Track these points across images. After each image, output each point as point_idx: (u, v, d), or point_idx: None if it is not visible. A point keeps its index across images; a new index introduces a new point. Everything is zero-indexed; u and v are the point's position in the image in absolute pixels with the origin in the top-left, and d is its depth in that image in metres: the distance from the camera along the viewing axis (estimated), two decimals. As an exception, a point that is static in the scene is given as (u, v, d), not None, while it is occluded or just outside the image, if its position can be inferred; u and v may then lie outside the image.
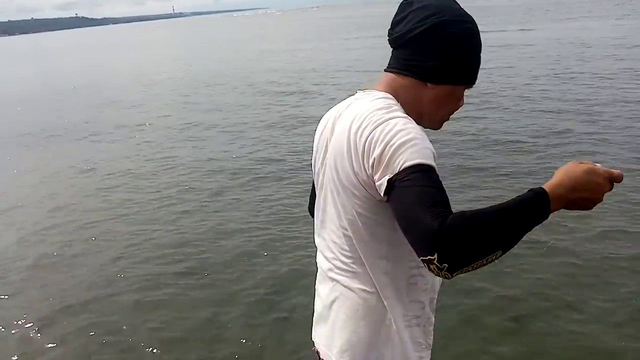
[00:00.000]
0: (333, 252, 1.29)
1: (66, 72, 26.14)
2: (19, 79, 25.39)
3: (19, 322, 3.66)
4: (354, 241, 1.21)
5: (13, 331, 3.57)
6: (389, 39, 1.28)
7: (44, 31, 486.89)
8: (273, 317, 3.44)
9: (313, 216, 1.55)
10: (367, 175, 1.13)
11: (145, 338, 3.34)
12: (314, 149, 1.37)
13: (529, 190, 1.04)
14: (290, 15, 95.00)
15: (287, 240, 4.50)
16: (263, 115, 10.00)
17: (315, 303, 1.42)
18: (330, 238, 1.29)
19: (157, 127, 9.98)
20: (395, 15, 1.26)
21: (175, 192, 6.07)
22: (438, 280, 1.29)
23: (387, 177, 1.06)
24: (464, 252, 0.97)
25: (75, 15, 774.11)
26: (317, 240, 1.40)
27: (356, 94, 1.28)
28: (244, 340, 3.22)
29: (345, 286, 1.26)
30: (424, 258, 0.99)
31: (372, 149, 1.10)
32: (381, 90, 1.24)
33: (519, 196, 1.02)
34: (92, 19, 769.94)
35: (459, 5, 1.24)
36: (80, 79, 21.25)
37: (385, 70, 1.29)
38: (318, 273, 1.41)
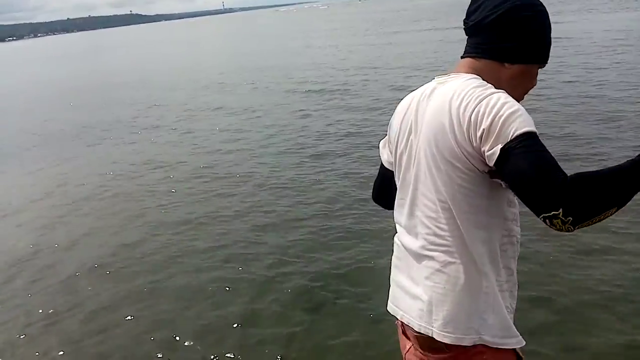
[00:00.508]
0: (429, 227, 1.33)
1: (119, 69, 27.35)
2: (77, 76, 26.73)
3: (61, 310, 3.96)
4: (454, 213, 1.27)
5: (58, 319, 3.86)
6: (464, 28, 1.39)
7: (100, 28, 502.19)
8: (308, 306, 3.60)
9: (380, 203, 1.67)
10: (473, 147, 1.20)
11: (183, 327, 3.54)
12: (394, 132, 1.43)
13: (638, 155, 1.10)
14: (336, 9, 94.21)
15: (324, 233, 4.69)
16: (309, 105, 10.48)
17: (395, 280, 1.49)
18: (424, 214, 1.34)
19: (206, 125, 10.25)
20: (469, 6, 1.38)
21: (219, 185, 6.39)
22: (518, 248, 1.37)
23: (499, 146, 1.13)
24: (587, 206, 1.06)
25: (129, 12, 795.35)
26: (403, 221, 1.44)
27: (436, 79, 1.36)
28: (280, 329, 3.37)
29: (441, 260, 1.31)
30: (546, 214, 1.07)
31: (479, 121, 1.17)
32: (465, 73, 1.32)
33: (633, 158, 1.09)
34: (145, 15, 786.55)
35: None
36: (131, 75, 22.32)
37: (462, 57, 1.38)
38: (400, 253, 1.47)
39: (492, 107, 1.16)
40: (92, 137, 10.31)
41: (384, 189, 1.59)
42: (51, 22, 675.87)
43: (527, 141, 1.12)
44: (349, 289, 3.73)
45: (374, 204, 1.70)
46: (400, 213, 1.45)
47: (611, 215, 1.10)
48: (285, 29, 46.88)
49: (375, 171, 1.65)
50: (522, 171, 1.11)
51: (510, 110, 1.15)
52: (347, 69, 14.76)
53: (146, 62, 29.72)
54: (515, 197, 1.30)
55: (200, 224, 5.27)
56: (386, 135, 1.55)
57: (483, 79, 1.28)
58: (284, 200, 5.62)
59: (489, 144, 1.15)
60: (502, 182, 1.25)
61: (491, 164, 1.17)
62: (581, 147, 5.91)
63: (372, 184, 1.68)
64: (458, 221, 1.27)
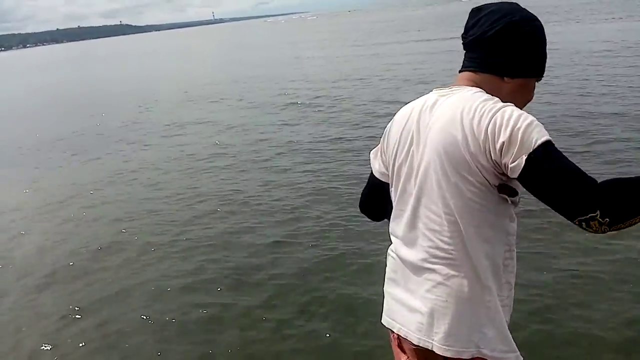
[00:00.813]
0: (431, 240, 1.32)
1: (105, 79, 27.39)
2: (63, 84, 26.77)
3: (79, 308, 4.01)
4: (461, 226, 1.27)
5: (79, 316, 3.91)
6: (463, 43, 1.41)
7: (90, 38, 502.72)
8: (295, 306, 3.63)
9: (367, 213, 1.68)
10: (488, 160, 1.21)
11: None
12: (392, 142, 1.42)
13: None
14: (324, 20, 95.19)
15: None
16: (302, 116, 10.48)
17: (390, 293, 1.47)
18: (427, 226, 1.33)
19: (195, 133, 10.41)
20: (467, 21, 1.40)
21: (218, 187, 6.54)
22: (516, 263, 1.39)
23: (524, 156, 1.14)
24: (623, 207, 1.09)
25: (119, 23, 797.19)
26: (401, 232, 1.42)
27: (436, 92, 1.37)
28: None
29: (443, 274, 1.30)
30: (583, 217, 1.10)
31: (497, 133, 1.18)
32: (466, 86, 1.34)
33: None
34: (135, 26, 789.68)
35: (522, 7, 1.37)
36: (121, 85, 22.30)
37: (461, 71, 1.40)
38: (395, 265, 1.46)
39: (509, 119, 1.17)
40: (70, 149, 10.09)
41: (373, 199, 1.61)
42: (40, 32, 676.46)
43: (550, 149, 1.15)
44: (339, 303, 3.64)
45: (363, 220, 1.64)
46: (397, 224, 1.44)
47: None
48: (273, 39, 47.06)
49: (362, 184, 1.64)
50: (554, 177, 1.13)
51: (527, 121, 1.17)
52: (334, 81, 14.65)
53: (134, 73, 29.63)
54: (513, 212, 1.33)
55: (183, 235, 5.18)
56: (377, 145, 1.54)
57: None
58: (269, 217, 5.46)
59: (512, 155, 1.16)
60: (507, 198, 1.27)
61: (515, 175, 1.18)
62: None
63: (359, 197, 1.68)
64: (464, 234, 1.27)
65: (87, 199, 6.83)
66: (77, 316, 3.90)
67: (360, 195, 1.67)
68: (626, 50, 13.00)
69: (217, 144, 9.06)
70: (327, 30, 51.76)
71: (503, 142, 1.17)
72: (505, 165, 1.18)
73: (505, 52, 1.32)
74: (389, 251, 1.51)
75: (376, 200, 1.57)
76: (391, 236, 1.49)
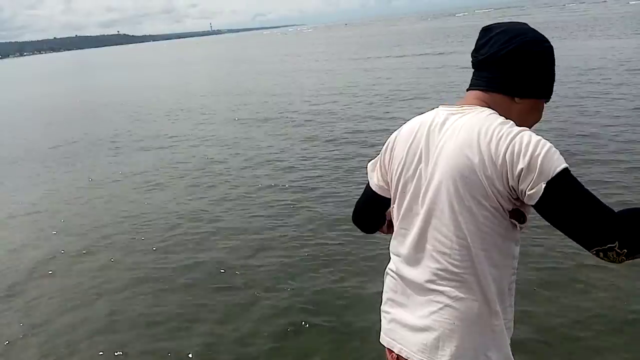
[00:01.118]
0: (440, 262, 1.30)
1: (102, 88, 27.49)
2: (60, 93, 26.73)
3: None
4: (472, 250, 1.26)
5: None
6: (473, 62, 1.40)
7: (87, 47, 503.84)
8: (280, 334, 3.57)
9: (360, 225, 1.66)
10: (504, 185, 1.20)
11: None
12: (398, 158, 1.39)
13: None
14: (320, 33, 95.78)
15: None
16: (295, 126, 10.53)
17: (390, 313, 1.45)
18: (436, 248, 1.31)
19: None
20: (477, 40, 1.39)
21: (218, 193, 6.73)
22: None
23: (542, 184, 1.14)
24: None
25: (117, 33, 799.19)
26: (405, 252, 1.40)
27: (444, 109, 1.36)
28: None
29: (452, 296, 1.29)
30: (601, 248, 1.11)
31: (515, 160, 1.17)
32: (478, 106, 1.33)
33: None
34: (132, 36, 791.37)
35: (532, 28, 1.37)
36: (114, 95, 22.34)
37: (469, 89, 1.39)
38: (396, 285, 1.43)
39: (528, 145, 1.17)
40: (58, 162, 10.01)
41: (367, 211, 1.59)
42: (38, 41, 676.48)
43: (568, 177, 1.15)
44: (330, 317, 3.66)
45: (355, 234, 1.61)
46: (401, 243, 1.42)
47: None
48: (269, 52, 47.16)
49: (356, 196, 1.62)
50: (572, 207, 1.14)
51: (546, 148, 1.16)
52: (329, 94, 14.66)
53: (129, 83, 29.70)
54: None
55: (173, 245, 5.23)
56: (376, 157, 1.51)
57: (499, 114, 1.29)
58: (254, 226, 5.51)
59: (530, 182, 1.16)
60: (517, 224, 1.27)
61: (532, 202, 1.17)
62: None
63: (352, 211, 1.66)
64: (474, 258, 1.26)
65: (62, 209, 6.88)
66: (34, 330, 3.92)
67: (355, 205, 1.65)
68: (620, 67, 13.14)
69: (204, 157, 9.10)
70: (323, 43, 52.04)
71: (522, 169, 1.16)
72: (522, 191, 1.18)
73: (516, 73, 1.31)
74: (387, 270, 1.49)
75: (371, 213, 1.57)
76: (392, 255, 1.47)
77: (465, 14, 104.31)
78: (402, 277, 1.41)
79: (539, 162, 1.15)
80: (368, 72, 19.53)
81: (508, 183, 1.20)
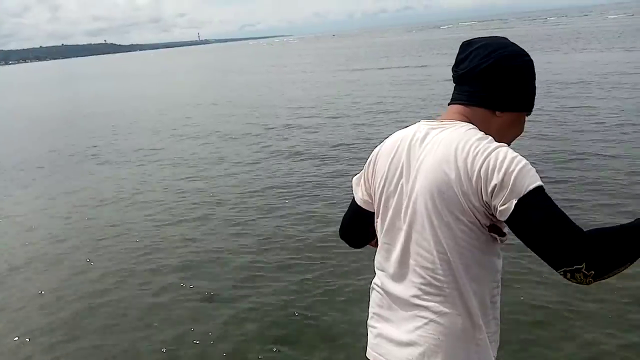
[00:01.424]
0: (423, 277, 1.31)
1: (86, 98, 27.41)
2: (46, 103, 26.58)
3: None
4: (452, 264, 1.26)
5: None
6: (453, 76, 1.40)
7: (74, 56, 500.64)
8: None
9: (347, 240, 1.65)
10: (479, 201, 1.21)
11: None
12: (380, 173, 1.40)
13: None
14: (306, 44, 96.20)
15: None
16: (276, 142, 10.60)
17: (376, 327, 1.44)
18: (419, 263, 1.31)
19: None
20: (458, 55, 1.40)
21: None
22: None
23: (514, 201, 1.14)
24: (608, 260, 1.11)
25: (104, 42, 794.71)
26: (390, 268, 1.40)
27: (425, 123, 1.37)
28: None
29: (436, 311, 1.29)
30: (568, 268, 1.10)
31: (490, 175, 1.18)
32: (459, 120, 1.33)
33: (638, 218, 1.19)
34: (119, 45, 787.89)
35: (512, 42, 1.38)
36: (97, 106, 22.22)
37: (450, 104, 1.40)
38: (382, 300, 1.43)
39: (502, 161, 1.18)
40: (31, 172, 9.98)
41: (354, 226, 1.59)
42: (23, 49, 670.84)
43: (540, 196, 1.15)
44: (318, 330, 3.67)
45: (339, 247, 1.60)
46: (385, 258, 1.42)
47: (624, 269, 1.14)
48: (255, 62, 47.34)
49: (339, 213, 1.65)
50: (541, 226, 1.13)
51: (521, 165, 1.17)
52: (313, 106, 14.69)
53: (114, 93, 29.48)
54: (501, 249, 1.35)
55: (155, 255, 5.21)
56: (361, 172, 1.52)
57: (479, 129, 1.30)
58: (240, 240, 5.49)
59: (502, 199, 1.17)
60: (497, 237, 1.28)
61: (503, 218, 1.18)
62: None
63: (337, 226, 1.66)
64: (455, 273, 1.27)
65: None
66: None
67: (341, 221, 1.64)
68: (603, 80, 13.42)
69: (184, 167, 9.11)
70: (310, 54, 52.35)
71: (495, 185, 1.17)
72: (494, 207, 1.19)
73: (497, 87, 1.32)
74: (373, 285, 1.49)
75: (358, 227, 1.57)
76: (377, 270, 1.47)
77: (450, 26, 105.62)
78: (387, 292, 1.41)
79: (512, 179, 1.15)
80: (353, 83, 19.65)
81: (482, 198, 1.20)
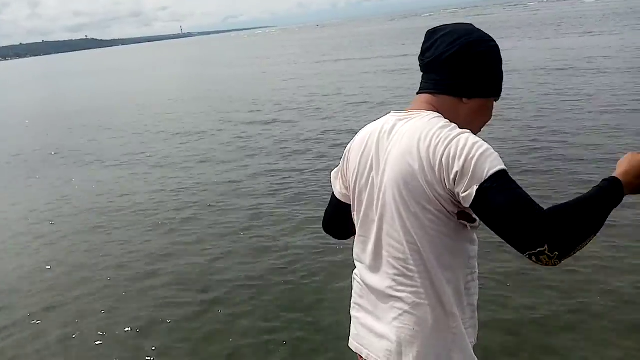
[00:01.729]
0: (396, 268, 1.32)
1: (69, 95, 27.12)
2: (27, 101, 26.30)
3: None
4: (423, 254, 1.27)
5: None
6: (420, 65, 1.40)
7: (54, 53, 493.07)
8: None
9: (331, 233, 1.68)
10: (444, 189, 1.21)
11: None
12: (352, 167, 1.42)
13: (603, 180, 1.21)
14: (289, 35, 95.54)
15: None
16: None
17: (357, 318, 1.47)
18: (391, 254, 1.33)
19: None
20: (423, 43, 1.39)
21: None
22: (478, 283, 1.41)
23: (475, 187, 1.15)
24: (570, 238, 1.11)
25: (85, 37, 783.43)
26: (366, 259, 1.42)
27: (394, 115, 1.37)
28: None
29: (409, 302, 1.31)
30: (532, 252, 1.10)
31: (451, 163, 1.18)
32: (425, 110, 1.33)
33: (597, 186, 1.20)
34: (101, 40, 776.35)
35: (477, 28, 1.38)
36: (81, 102, 21.99)
37: (418, 93, 1.40)
38: (362, 291, 1.45)
39: (463, 149, 1.18)
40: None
41: (336, 219, 1.60)
42: (2, 47, 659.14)
43: (501, 180, 1.14)
44: (300, 322, 3.71)
45: (322, 237, 1.62)
46: (362, 250, 1.44)
47: (589, 242, 1.14)
48: (238, 55, 47.02)
49: (321, 205, 1.62)
50: (502, 210, 1.13)
51: (481, 151, 1.17)
52: (293, 99, 14.66)
53: (95, 89, 29.16)
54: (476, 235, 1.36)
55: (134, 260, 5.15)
56: (338, 165, 1.53)
57: (444, 116, 1.30)
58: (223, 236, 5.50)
59: (464, 185, 1.17)
60: (467, 224, 1.28)
61: (467, 204, 1.18)
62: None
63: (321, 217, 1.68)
64: (427, 262, 1.28)
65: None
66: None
67: (323, 215, 1.67)
68: (581, 64, 13.55)
69: (165, 162, 9.10)
70: (293, 45, 52.05)
71: (457, 172, 1.17)
72: (458, 194, 1.19)
73: (462, 73, 1.32)
74: (354, 275, 1.51)
75: (339, 220, 1.57)
76: (355, 261, 1.49)
77: (432, 14, 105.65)
78: (365, 283, 1.43)
79: (472, 165, 1.15)
80: (336, 74, 19.59)
81: (447, 187, 1.21)
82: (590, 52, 15.66)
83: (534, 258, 1.11)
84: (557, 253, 1.10)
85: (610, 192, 1.19)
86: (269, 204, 6.31)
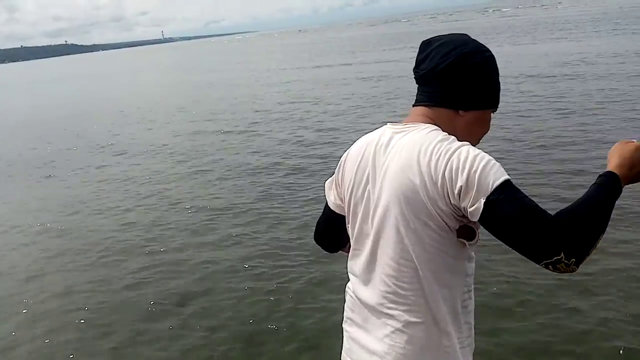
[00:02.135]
0: (389, 285, 1.29)
1: (46, 103, 26.80)
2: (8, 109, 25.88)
3: None
4: (419, 272, 1.24)
5: None
6: (415, 77, 1.38)
7: (34, 59, 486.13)
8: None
9: (322, 245, 1.64)
10: (447, 204, 1.19)
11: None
12: (348, 179, 1.39)
13: (600, 176, 1.20)
14: (268, 40, 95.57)
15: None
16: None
17: (349, 332, 1.44)
18: (384, 271, 1.30)
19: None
20: (417, 55, 1.36)
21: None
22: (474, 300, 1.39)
23: (482, 200, 1.13)
24: (584, 243, 1.09)
25: (64, 43, 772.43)
26: (359, 273, 1.39)
27: (390, 127, 1.34)
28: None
29: (402, 320, 1.28)
30: (548, 261, 1.09)
31: (454, 177, 1.16)
32: (422, 122, 1.30)
33: (596, 183, 1.19)
34: (81, 45, 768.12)
35: (473, 38, 1.36)
36: (65, 110, 21.79)
37: (414, 105, 1.37)
38: (354, 305, 1.43)
39: (465, 161, 1.16)
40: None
41: (328, 231, 1.57)
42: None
43: (507, 190, 1.13)
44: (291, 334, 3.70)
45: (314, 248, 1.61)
46: (355, 264, 1.41)
47: (600, 241, 1.13)
48: (219, 60, 46.92)
49: (311, 215, 1.61)
50: (513, 222, 1.11)
51: (484, 163, 1.15)
52: (272, 107, 14.53)
53: (74, 96, 28.89)
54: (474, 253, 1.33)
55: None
56: (332, 176, 1.51)
57: (442, 129, 1.28)
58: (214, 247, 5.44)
59: (470, 199, 1.15)
60: (466, 242, 1.26)
61: (475, 219, 1.16)
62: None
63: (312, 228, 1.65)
64: (422, 280, 1.25)
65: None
66: None
67: (316, 225, 1.63)
68: (569, 70, 13.73)
69: (148, 172, 9.07)
70: (275, 50, 52.22)
71: (461, 186, 1.15)
72: (464, 209, 1.17)
73: (458, 85, 1.29)
74: (347, 288, 1.49)
75: (332, 232, 1.55)
76: (349, 274, 1.47)
77: (411, 19, 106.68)
78: (358, 298, 1.40)
79: (476, 178, 1.13)
80: (318, 82, 19.43)
81: (450, 201, 1.18)
82: (567, 57, 16.00)
83: (550, 267, 1.10)
84: (574, 260, 1.09)
85: (610, 188, 1.18)
86: (259, 209, 6.32)
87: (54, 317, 4.37)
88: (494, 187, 1.13)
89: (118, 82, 35.56)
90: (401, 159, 1.25)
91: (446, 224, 1.22)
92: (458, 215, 1.21)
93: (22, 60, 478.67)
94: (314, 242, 1.67)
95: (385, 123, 1.39)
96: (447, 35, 1.36)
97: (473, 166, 1.15)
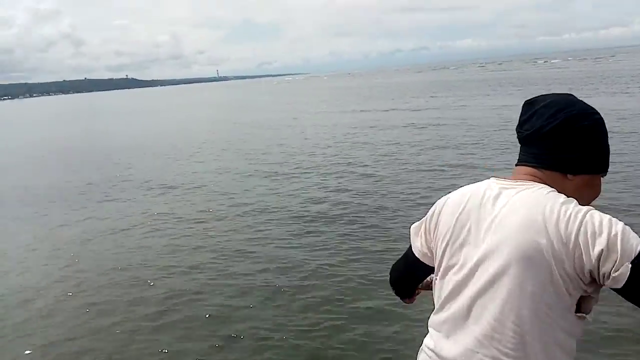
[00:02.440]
0: (487, 348, 1.20)
1: (104, 132, 28.01)
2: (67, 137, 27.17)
3: None
4: (527, 340, 1.16)
5: None
6: (518, 137, 1.33)
7: (96, 90, 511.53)
8: None
9: (397, 290, 1.59)
10: (574, 268, 1.13)
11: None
12: (445, 228, 1.32)
13: None
14: (316, 82, 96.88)
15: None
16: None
17: None
18: (485, 333, 1.21)
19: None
20: (521, 115, 1.32)
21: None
22: None
23: (628, 265, 1.08)
24: None
25: (125, 77, 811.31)
26: (448, 331, 1.29)
27: (496, 181, 1.30)
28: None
29: None
30: None
31: (591, 241, 1.11)
32: (531, 181, 1.26)
33: None
34: (141, 80, 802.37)
35: (579, 99, 1.30)
36: (115, 140, 22.74)
37: (517, 165, 1.32)
38: None
39: (600, 225, 1.12)
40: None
41: (407, 276, 1.53)
42: (47, 82, 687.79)
43: None
44: None
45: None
46: (443, 320, 1.31)
47: None
48: (269, 100, 47.99)
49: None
50: None
51: (620, 227, 1.12)
52: (323, 149, 14.52)
53: (131, 128, 30.05)
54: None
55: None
56: (421, 221, 1.45)
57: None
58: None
59: (613, 264, 1.10)
60: (584, 315, 1.20)
61: (617, 285, 1.11)
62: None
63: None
64: (529, 350, 1.16)
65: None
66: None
67: (392, 268, 1.58)
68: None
69: (194, 207, 9.37)
70: (323, 93, 52.81)
71: (602, 250, 1.10)
72: (605, 274, 1.11)
73: (566, 149, 1.24)
74: (423, 347, 1.38)
75: (412, 278, 1.50)
76: (431, 329, 1.37)
77: (460, 67, 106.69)
78: (440, 356, 1.30)
79: (618, 242, 1.09)
80: (369, 125, 19.27)
81: (583, 267, 1.12)
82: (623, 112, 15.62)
83: None
84: None
85: None
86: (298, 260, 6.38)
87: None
88: (638, 250, 1.09)
89: (174, 118, 36.66)
90: (520, 216, 1.19)
91: (568, 292, 1.15)
92: (584, 283, 1.16)
93: (85, 92, 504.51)
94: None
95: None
96: (551, 95, 1.32)
97: (611, 230, 1.11)
